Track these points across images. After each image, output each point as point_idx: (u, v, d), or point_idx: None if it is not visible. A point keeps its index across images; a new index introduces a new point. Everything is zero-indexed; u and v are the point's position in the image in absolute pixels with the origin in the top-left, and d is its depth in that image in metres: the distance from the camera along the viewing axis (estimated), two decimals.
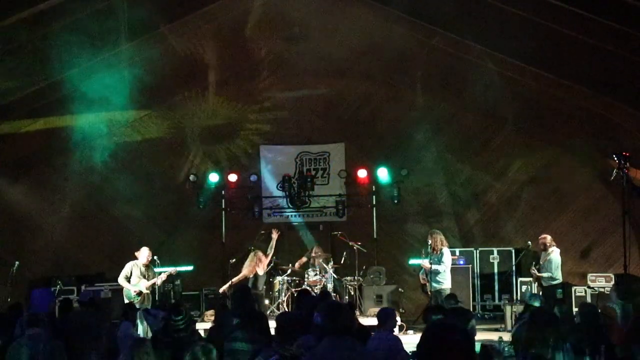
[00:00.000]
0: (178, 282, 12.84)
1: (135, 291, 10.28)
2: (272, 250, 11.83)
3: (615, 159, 8.82)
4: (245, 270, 11.38)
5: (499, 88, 12.42)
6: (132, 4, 9.51)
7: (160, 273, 10.80)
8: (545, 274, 10.99)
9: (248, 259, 11.37)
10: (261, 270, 11.39)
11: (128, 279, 10.41)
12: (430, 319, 6.83)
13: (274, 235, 12.02)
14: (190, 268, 12.92)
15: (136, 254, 10.63)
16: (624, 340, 6.35)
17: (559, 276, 11.04)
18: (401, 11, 10.99)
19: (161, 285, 11.22)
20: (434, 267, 10.38)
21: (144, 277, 10.43)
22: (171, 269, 10.94)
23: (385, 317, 6.46)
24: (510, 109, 13.15)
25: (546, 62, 10.77)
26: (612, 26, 8.57)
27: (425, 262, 10.70)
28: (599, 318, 6.07)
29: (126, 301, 10.32)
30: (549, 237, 11.21)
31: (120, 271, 10.56)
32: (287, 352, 3.94)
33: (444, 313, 6.90)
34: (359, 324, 6.93)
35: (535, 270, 11.16)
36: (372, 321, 11.12)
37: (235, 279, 11.42)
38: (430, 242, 10.58)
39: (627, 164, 8.69)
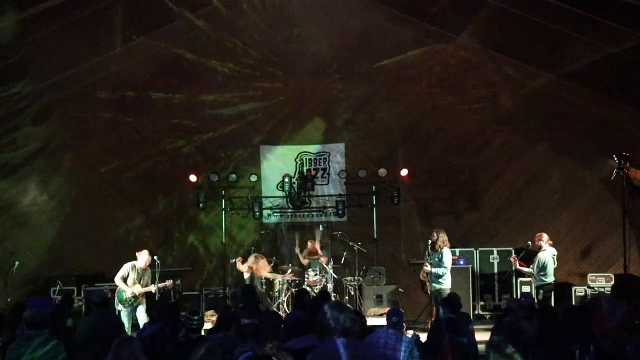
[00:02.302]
0: (178, 282, 12.84)
1: (129, 294, 10.17)
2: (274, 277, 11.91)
3: (615, 159, 8.82)
4: (244, 267, 11.36)
5: (499, 88, 12.45)
6: (131, 4, 9.53)
7: (163, 280, 10.79)
8: (526, 270, 11.01)
9: (250, 260, 11.30)
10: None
11: (125, 280, 10.32)
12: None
13: (279, 278, 12.09)
14: (190, 268, 12.91)
15: (137, 254, 10.56)
16: (611, 334, 6.33)
17: (546, 276, 10.84)
18: (401, 11, 11.01)
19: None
20: (434, 269, 10.37)
21: (140, 281, 10.31)
22: (168, 282, 10.83)
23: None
24: (510, 109, 13.17)
25: (546, 62, 10.78)
26: (612, 26, 8.58)
27: (426, 267, 10.67)
28: (583, 317, 6.00)
29: (117, 302, 10.23)
30: (544, 236, 11.13)
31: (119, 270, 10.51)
32: (260, 351, 3.93)
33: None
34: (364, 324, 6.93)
35: (517, 264, 11.15)
36: (372, 321, 11.19)
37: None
38: (433, 239, 10.55)
39: (627, 164, 8.70)
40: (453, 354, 6.29)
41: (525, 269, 11.10)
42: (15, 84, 10.43)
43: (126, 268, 10.33)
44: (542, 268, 10.81)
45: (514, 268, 12.67)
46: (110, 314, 7.93)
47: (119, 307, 10.26)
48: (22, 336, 5.90)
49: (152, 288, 10.44)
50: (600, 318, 6.66)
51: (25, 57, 9.76)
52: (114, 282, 12.45)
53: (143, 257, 10.40)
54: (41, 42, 9.47)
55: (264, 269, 11.32)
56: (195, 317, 5.94)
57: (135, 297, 10.18)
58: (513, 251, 12.95)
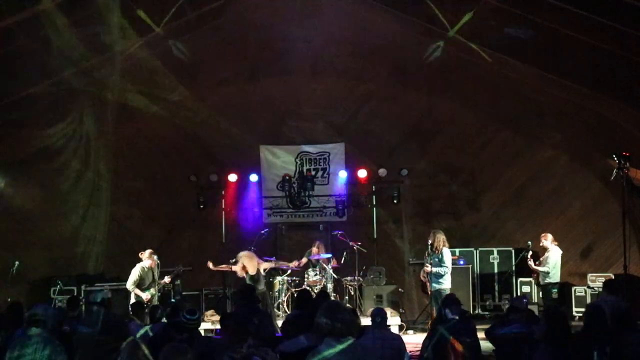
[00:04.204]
0: (178, 282, 12.81)
1: (146, 298, 10.19)
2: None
3: (615, 159, 8.82)
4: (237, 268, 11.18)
5: (499, 88, 12.44)
6: (131, 5, 9.53)
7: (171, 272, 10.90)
8: (542, 269, 11.07)
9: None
10: (252, 271, 11.14)
11: (137, 285, 10.31)
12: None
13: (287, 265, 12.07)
14: (190, 268, 12.91)
15: (140, 255, 10.57)
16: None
17: (555, 274, 11.00)
18: (401, 11, 11.00)
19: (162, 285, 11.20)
20: (435, 269, 10.37)
21: (153, 280, 10.38)
22: (177, 269, 10.93)
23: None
24: (510, 109, 13.16)
25: (546, 62, 10.77)
26: (612, 26, 8.57)
27: (426, 268, 10.66)
28: (605, 319, 6.00)
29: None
30: (549, 236, 11.25)
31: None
32: (237, 354, 3.90)
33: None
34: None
35: (532, 262, 11.20)
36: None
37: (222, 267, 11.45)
38: (431, 240, 10.56)
39: (627, 164, 8.69)
40: (457, 355, 6.30)
41: (540, 268, 11.17)
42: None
43: (136, 273, 10.30)
44: (554, 267, 10.94)
45: (513, 267, 12.72)
46: (113, 314, 7.92)
47: None
48: (22, 336, 5.88)
49: (167, 279, 10.71)
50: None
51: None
52: (114, 282, 12.50)
53: (149, 257, 10.45)
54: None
55: (261, 264, 11.14)
56: (193, 317, 5.94)
57: (150, 299, 10.22)
58: (513, 252, 12.99)
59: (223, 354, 4.77)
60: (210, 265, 11.40)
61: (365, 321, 11.02)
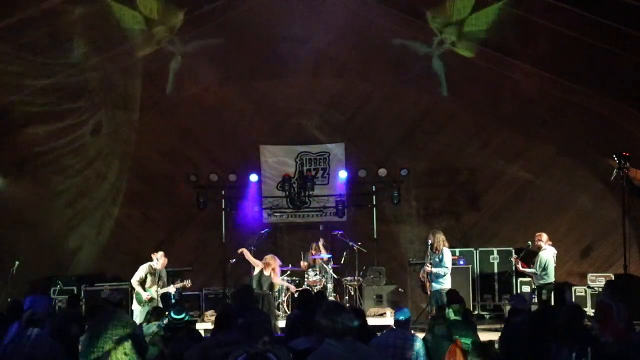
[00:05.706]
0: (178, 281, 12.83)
1: (147, 297, 10.22)
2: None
3: (615, 159, 8.83)
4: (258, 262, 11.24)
5: (499, 88, 12.44)
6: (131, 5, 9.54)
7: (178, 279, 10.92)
8: (529, 270, 11.03)
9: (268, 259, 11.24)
10: (267, 272, 11.28)
11: (142, 282, 10.33)
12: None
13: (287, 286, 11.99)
14: (190, 268, 12.92)
15: (153, 255, 10.60)
16: (619, 336, 6.35)
17: (547, 275, 10.89)
18: (402, 11, 11.00)
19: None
20: (435, 270, 10.37)
21: (157, 282, 10.39)
22: (186, 282, 10.92)
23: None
24: (510, 109, 13.16)
25: (546, 62, 10.77)
26: (612, 26, 8.57)
27: (427, 267, 10.65)
28: (583, 319, 6.01)
29: (135, 305, 10.27)
30: (543, 236, 11.16)
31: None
32: (253, 349, 3.89)
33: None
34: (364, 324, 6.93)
35: (519, 264, 11.14)
36: (372, 321, 11.18)
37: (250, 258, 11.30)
38: (430, 241, 10.56)
39: (627, 164, 8.71)
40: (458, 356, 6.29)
41: (527, 270, 11.12)
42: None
43: (143, 270, 10.35)
44: (544, 268, 10.87)
45: (514, 268, 12.69)
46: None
47: (134, 306, 10.31)
48: (21, 336, 5.89)
49: (171, 289, 10.63)
50: (611, 322, 6.68)
51: None
52: (114, 282, 12.51)
53: (159, 259, 10.49)
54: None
55: (277, 274, 11.17)
56: (180, 316, 5.96)
57: (152, 299, 10.22)
58: (513, 251, 12.96)
59: (236, 349, 4.75)
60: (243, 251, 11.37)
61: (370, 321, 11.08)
